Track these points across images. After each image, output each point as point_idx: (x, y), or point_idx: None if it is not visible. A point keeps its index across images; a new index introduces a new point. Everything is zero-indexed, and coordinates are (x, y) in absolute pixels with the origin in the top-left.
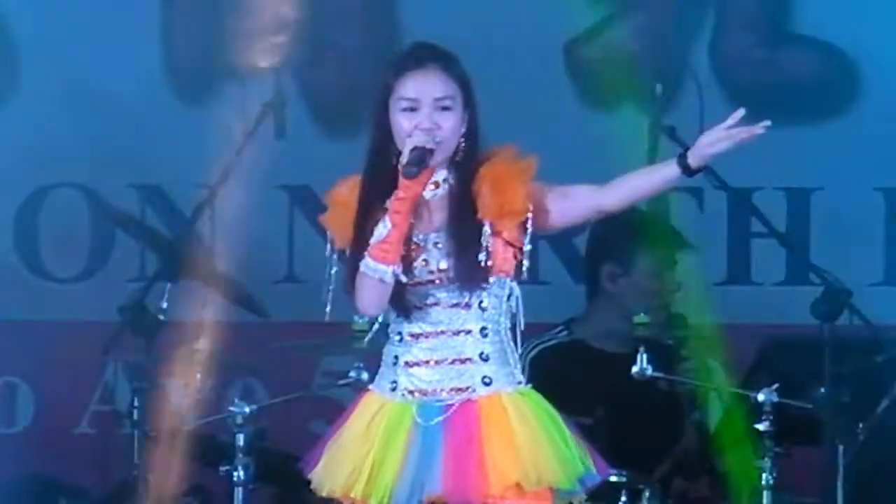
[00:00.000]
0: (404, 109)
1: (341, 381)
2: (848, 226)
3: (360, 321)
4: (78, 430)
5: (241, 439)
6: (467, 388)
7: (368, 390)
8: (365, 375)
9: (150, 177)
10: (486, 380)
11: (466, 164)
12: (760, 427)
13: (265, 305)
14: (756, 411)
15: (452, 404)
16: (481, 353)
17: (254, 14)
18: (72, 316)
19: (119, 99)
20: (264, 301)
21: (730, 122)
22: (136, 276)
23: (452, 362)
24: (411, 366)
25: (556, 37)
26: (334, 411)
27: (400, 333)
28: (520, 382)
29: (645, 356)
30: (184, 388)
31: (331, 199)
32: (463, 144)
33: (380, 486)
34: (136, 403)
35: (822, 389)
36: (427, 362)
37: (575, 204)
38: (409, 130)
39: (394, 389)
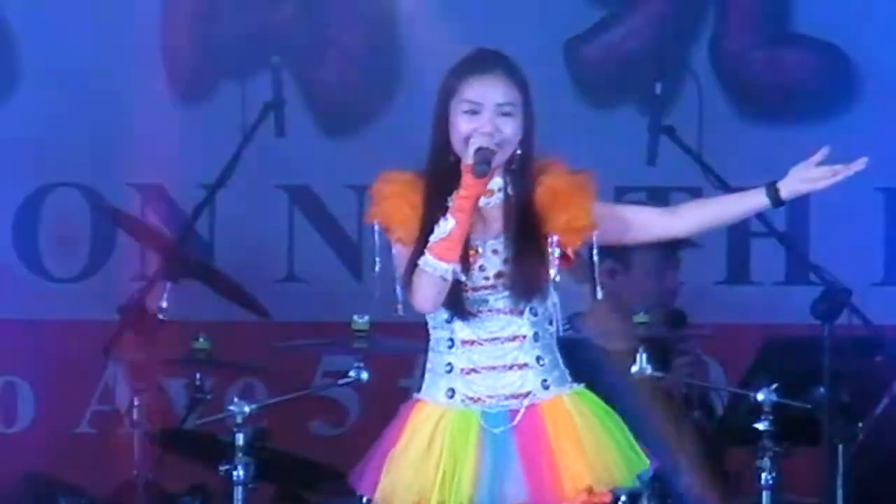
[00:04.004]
0: (466, 112)
1: (341, 381)
2: (848, 225)
3: (360, 321)
4: (78, 429)
5: (240, 438)
6: (528, 393)
7: (419, 401)
8: (364, 375)
9: (150, 176)
10: (545, 383)
11: (523, 171)
12: (760, 426)
13: (265, 305)
14: (755, 411)
15: (517, 410)
16: (538, 359)
17: (253, 13)
18: (72, 315)
19: (119, 98)
20: (264, 300)
21: (818, 157)
22: (136, 275)
23: (510, 368)
24: (468, 373)
25: (555, 36)
26: (334, 411)
27: (451, 340)
28: (572, 383)
29: (644, 355)
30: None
31: (381, 193)
32: (519, 151)
33: (457, 494)
34: (136, 403)
35: (822, 389)
36: (485, 368)
37: (647, 226)
38: (469, 133)
39: (451, 397)
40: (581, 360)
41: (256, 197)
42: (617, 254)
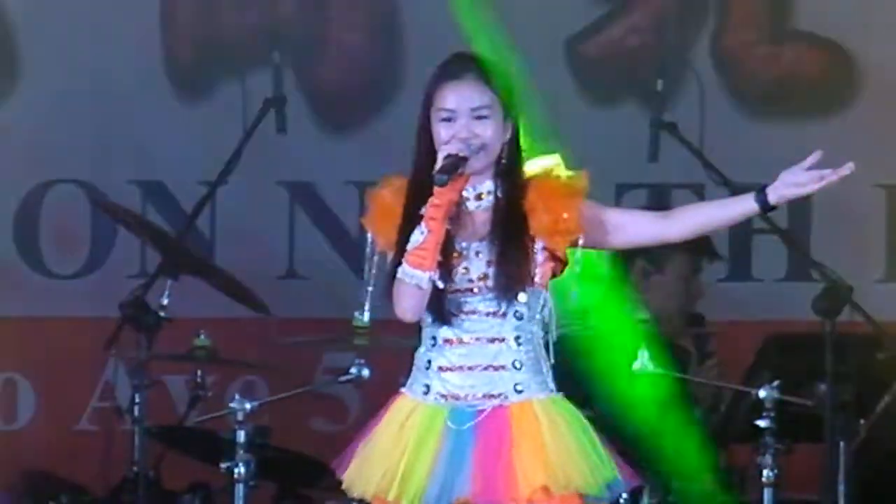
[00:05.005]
0: (443, 120)
1: (342, 378)
2: (849, 222)
3: (361, 319)
4: (79, 426)
5: (241, 436)
6: (499, 394)
7: (401, 393)
8: (366, 372)
9: (151, 173)
10: (518, 387)
11: (510, 173)
12: (762, 423)
13: (266, 302)
14: (757, 408)
15: (484, 410)
16: (514, 362)
17: (254, 9)
18: (72, 312)
19: (120, 95)
20: (265, 297)
21: (808, 162)
22: (137, 272)
23: (486, 368)
24: (444, 370)
25: (556, 33)
26: (335, 408)
27: (434, 338)
28: (551, 390)
29: (647, 353)
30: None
31: (373, 199)
32: (505, 152)
33: (411, 488)
34: (136, 400)
35: (824, 386)
36: (461, 368)
37: (638, 230)
38: (447, 140)
39: (426, 393)
40: (585, 355)
41: (257, 194)
42: (650, 255)
